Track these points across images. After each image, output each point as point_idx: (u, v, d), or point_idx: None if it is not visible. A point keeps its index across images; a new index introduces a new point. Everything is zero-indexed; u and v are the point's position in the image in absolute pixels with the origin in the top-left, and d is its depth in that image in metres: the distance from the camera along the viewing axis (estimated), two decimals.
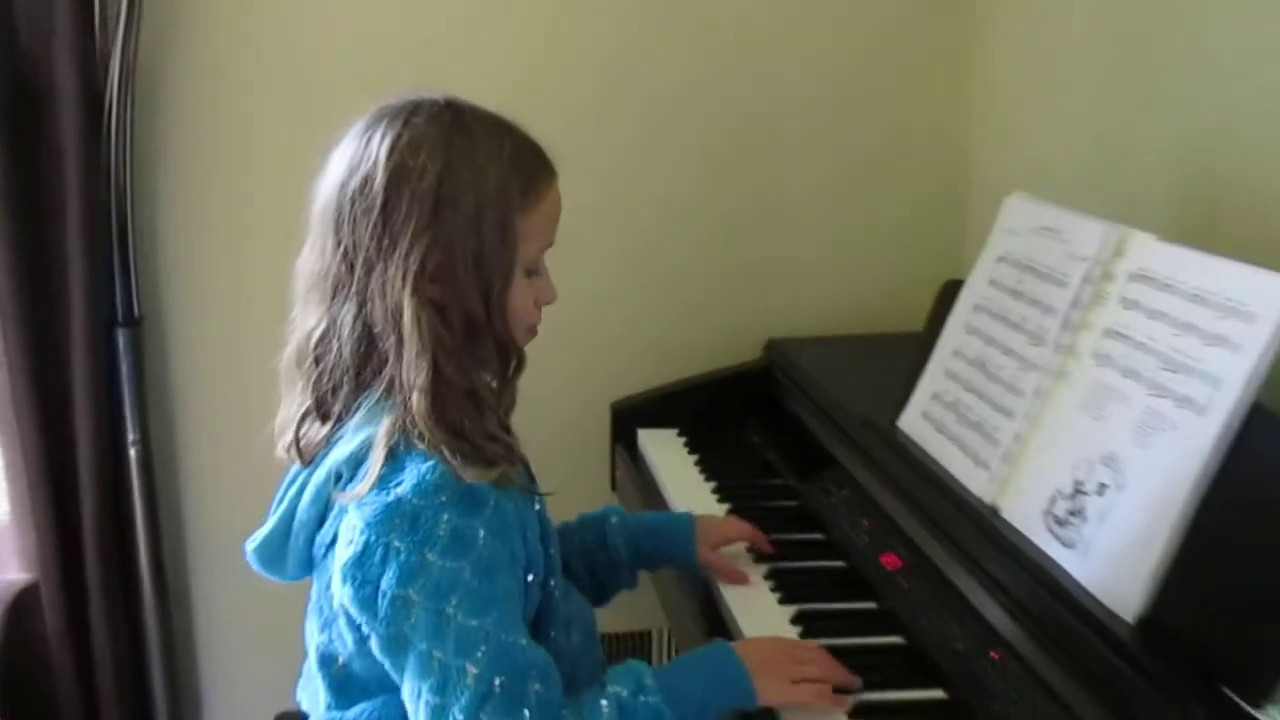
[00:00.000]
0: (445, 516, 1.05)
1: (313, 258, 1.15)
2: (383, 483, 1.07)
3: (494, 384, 1.19)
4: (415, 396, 1.08)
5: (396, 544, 1.05)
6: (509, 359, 1.18)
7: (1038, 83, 1.97)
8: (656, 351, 2.12)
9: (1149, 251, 1.24)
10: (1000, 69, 2.09)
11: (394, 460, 1.08)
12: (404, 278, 1.08)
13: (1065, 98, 1.88)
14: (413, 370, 1.09)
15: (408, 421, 1.09)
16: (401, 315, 1.09)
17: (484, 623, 1.05)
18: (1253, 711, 0.94)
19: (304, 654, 1.26)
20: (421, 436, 1.08)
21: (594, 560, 1.43)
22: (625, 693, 1.10)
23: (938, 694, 1.23)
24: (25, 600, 2.00)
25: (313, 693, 1.23)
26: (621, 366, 2.09)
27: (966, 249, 2.16)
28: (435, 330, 1.09)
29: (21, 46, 1.78)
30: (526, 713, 1.04)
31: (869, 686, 1.22)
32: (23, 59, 1.79)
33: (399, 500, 1.05)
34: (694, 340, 2.13)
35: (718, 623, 1.42)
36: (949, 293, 1.57)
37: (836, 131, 2.14)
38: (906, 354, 1.62)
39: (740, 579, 1.45)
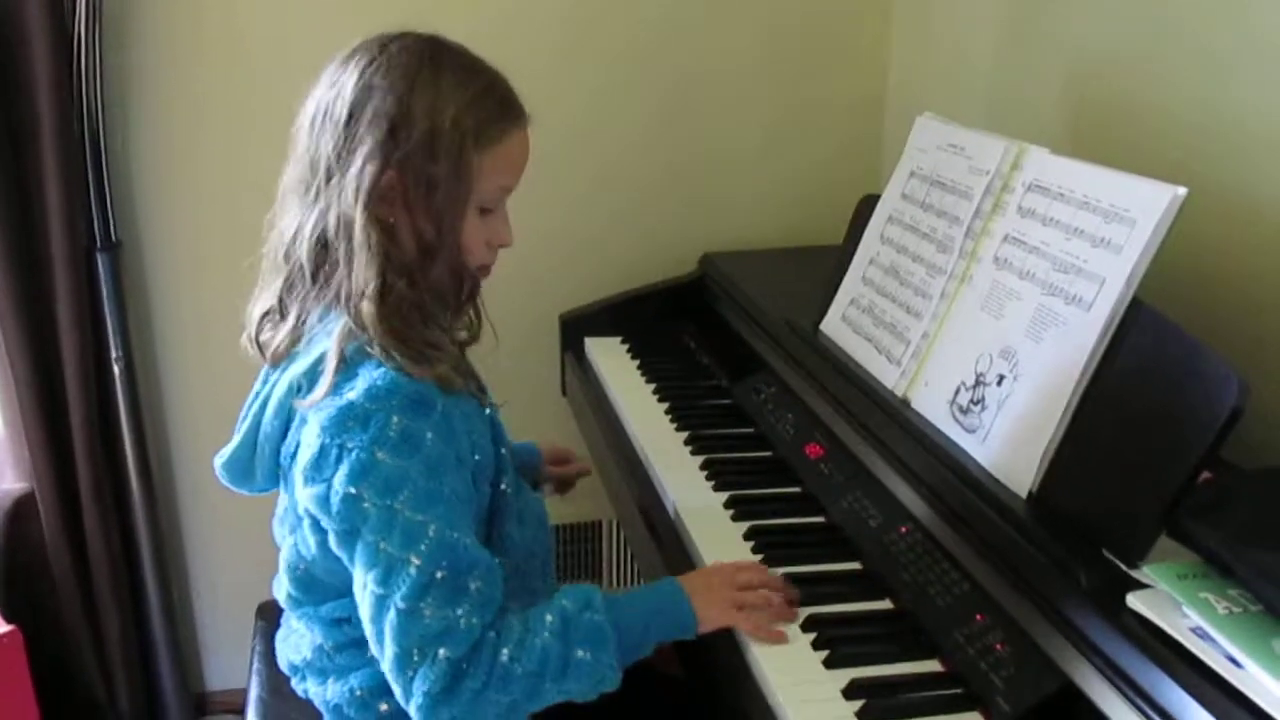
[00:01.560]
0: (395, 419, 1.03)
1: (291, 167, 1.13)
2: (336, 389, 1.05)
3: (447, 306, 1.17)
4: (363, 304, 1.06)
5: (349, 444, 1.03)
6: (461, 284, 1.16)
7: (950, 8, 1.97)
8: (601, 267, 2.12)
9: (1043, 164, 1.24)
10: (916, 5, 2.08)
11: (347, 369, 1.06)
12: (356, 191, 1.06)
13: (970, 25, 1.88)
14: (359, 279, 1.07)
15: (356, 326, 1.07)
16: (352, 226, 1.07)
17: (429, 518, 1.03)
18: (1129, 571, 0.97)
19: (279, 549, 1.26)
20: (370, 343, 1.06)
21: None
22: (572, 608, 1.09)
23: (854, 565, 1.26)
24: (23, 508, 1.98)
25: (284, 594, 1.23)
26: (570, 281, 2.09)
27: (883, 166, 2.16)
28: (383, 245, 1.07)
29: None
30: (466, 605, 1.03)
31: (795, 560, 1.25)
32: None
33: (351, 404, 1.04)
34: (635, 255, 2.13)
35: (660, 510, 1.44)
36: (866, 206, 1.58)
37: (767, 69, 2.12)
38: (827, 264, 1.63)
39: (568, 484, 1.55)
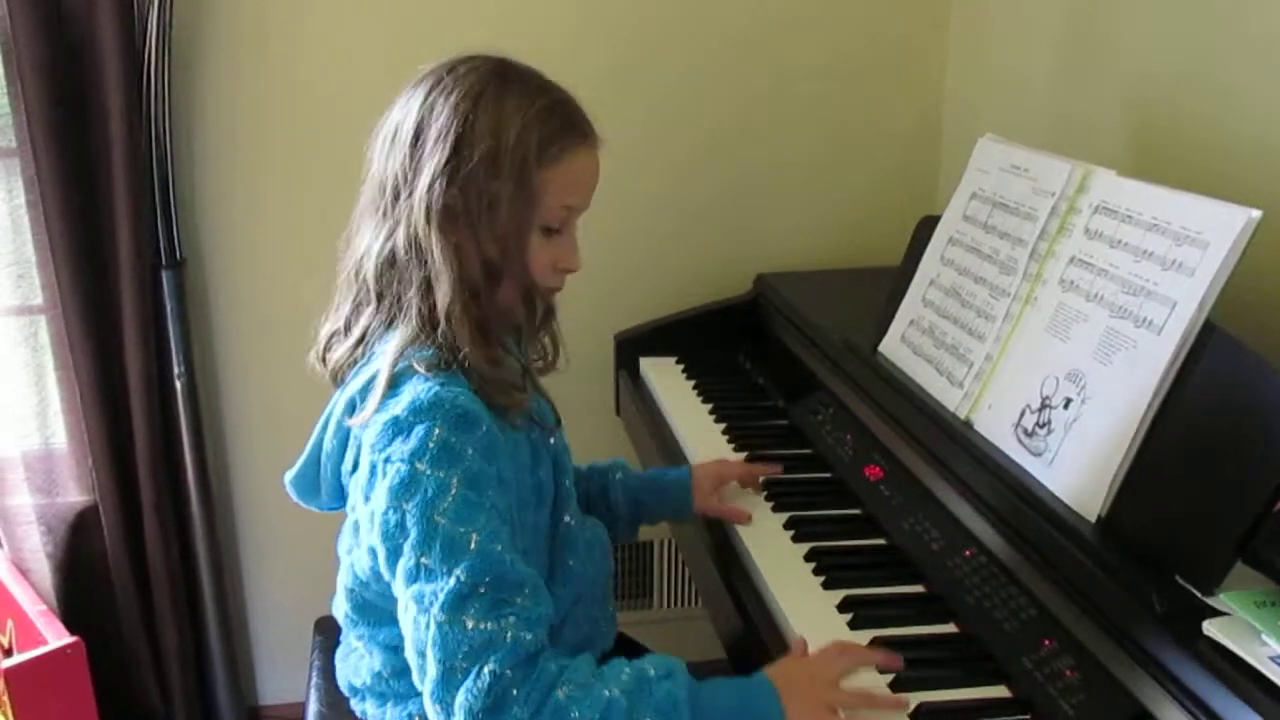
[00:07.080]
0: (437, 431, 1.01)
1: (364, 189, 1.14)
2: (382, 406, 1.06)
3: (519, 330, 1.18)
4: (421, 319, 1.08)
5: (392, 457, 1.02)
6: (534, 306, 1.16)
7: (1007, 30, 1.96)
8: (657, 287, 2.12)
9: (1110, 186, 1.23)
10: (974, 13, 2.07)
11: (395, 386, 1.06)
12: (425, 210, 1.06)
13: (1028, 47, 1.87)
14: (423, 297, 1.08)
15: (415, 340, 1.08)
16: (420, 245, 1.07)
17: (470, 530, 1.00)
18: (1204, 599, 0.95)
19: (338, 566, 1.27)
20: (423, 363, 1.06)
21: (594, 510, 1.38)
22: (652, 672, 1.02)
23: (917, 588, 1.24)
24: (85, 521, 2.01)
25: (342, 614, 1.23)
26: (625, 300, 2.09)
27: (940, 188, 2.15)
28: (451, 265, 1.07)
29: (66, 7, 1.76)
30: (511, 617, 0.98)
31: (856, 583, 1.24)
32: (67, 19, 1.76)
33: (395, 418, 1.03)
34: (690, 276, 2.13)
35: (718, 533, 1.43)
36: (925, 228, 1.57)
37: (823, 91, 2.12)
38: (884, 286, 1.62)
39: (740, 517, 1.39)
